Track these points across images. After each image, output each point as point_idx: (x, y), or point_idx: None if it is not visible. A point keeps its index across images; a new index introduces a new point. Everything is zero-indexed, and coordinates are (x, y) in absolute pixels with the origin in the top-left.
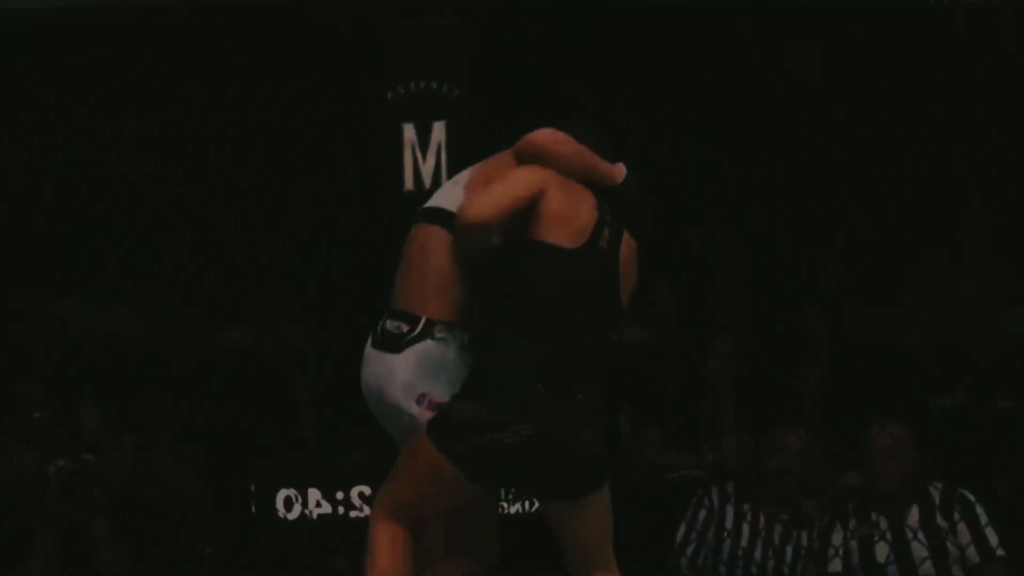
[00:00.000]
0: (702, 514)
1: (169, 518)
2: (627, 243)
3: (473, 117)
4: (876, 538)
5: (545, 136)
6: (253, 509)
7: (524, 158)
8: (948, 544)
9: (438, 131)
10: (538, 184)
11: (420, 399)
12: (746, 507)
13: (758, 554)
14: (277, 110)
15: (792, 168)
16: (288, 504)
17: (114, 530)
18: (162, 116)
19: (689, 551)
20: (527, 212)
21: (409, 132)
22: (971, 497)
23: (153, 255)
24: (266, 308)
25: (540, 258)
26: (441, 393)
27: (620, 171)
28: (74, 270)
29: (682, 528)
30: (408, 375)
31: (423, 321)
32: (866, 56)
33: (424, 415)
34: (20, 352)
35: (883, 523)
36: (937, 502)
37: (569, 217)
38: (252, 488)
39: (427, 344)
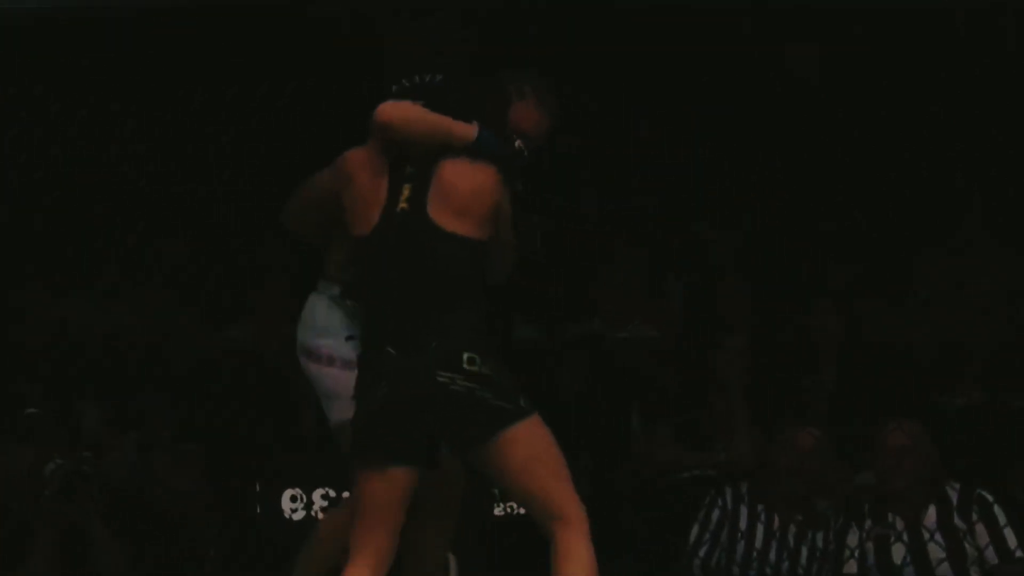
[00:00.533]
0: (715, 515)
1: (170, 518)
2: (460, 175)
3: None
4: (892, 539)
5: (389, 112)
6: (258, 509)
7: (376, 135)
8: (966, 545)
9: None
10: (327, 188)
11: (299, 349)
12: (760, 508)
13: (772, 555)
14: (277, 110)
15: (800, 165)
16: (293, 504)
17: (114, 530)
18: (162, 116)
19: (702, 552)
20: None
21: None
22: (989, 497)
23: (154, 255)
24: (266, 307)
25: (355, 251)
26: (306, 339)
27: (473, 129)
28: (74, 269)
29: (695, 529)
30: (297, 330)
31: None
32: (871, 54)
33: (303, 364)
34: (19, 351)
35: (899, 524)
36: (955, 503)
37: (359, 208)
38: (257, 488)
39: (310, 297)
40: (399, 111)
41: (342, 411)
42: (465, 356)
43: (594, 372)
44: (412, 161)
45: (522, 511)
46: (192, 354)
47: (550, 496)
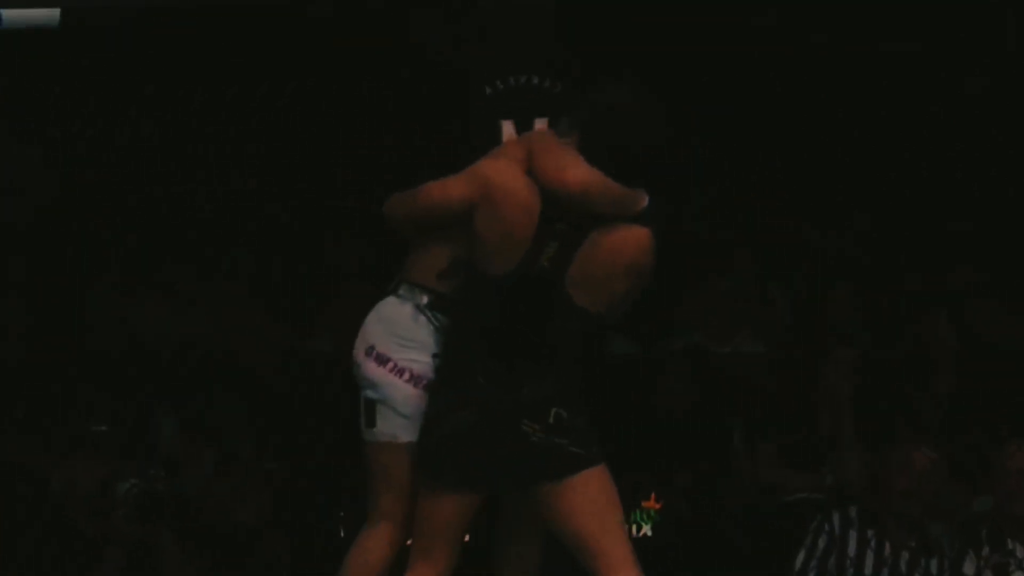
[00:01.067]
0: (822, 540)
1: (241, 544)
2: (615, 251)
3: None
4: (1012, 567)
5: (586, 182)
6: (342, 534)
7: (569, 201)
8: None
9: (540, 127)
10: (461, 198)
11: (369, 350)
12: (870, 533)
13: None
14: (372, 109)
15: (913, 162)
16: None
17: (186, 552)
18: (251, 119)
19: None
20: (466, 229)
21: (508, 129)
22: None
23: (230, 259)
24: (351, 315)
25: (469, 281)
26: (388, 347)
27: (643, 199)
28: (147, 275)
29: (801, 555)
30: (366, 327)
31: (397, 278)
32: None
33: (368, 367)
34: (90, 360)
35: (1020, 551)
36: None
37: (499, 245)
38: (341, 514)
39: (389, 300)
40: (594, 182)
41: (404, 431)
42: (553, 412)
43: (694, 388)
44: (565, 215)
45: (643, 534)
46: (273, 364)
47: (603, 547)
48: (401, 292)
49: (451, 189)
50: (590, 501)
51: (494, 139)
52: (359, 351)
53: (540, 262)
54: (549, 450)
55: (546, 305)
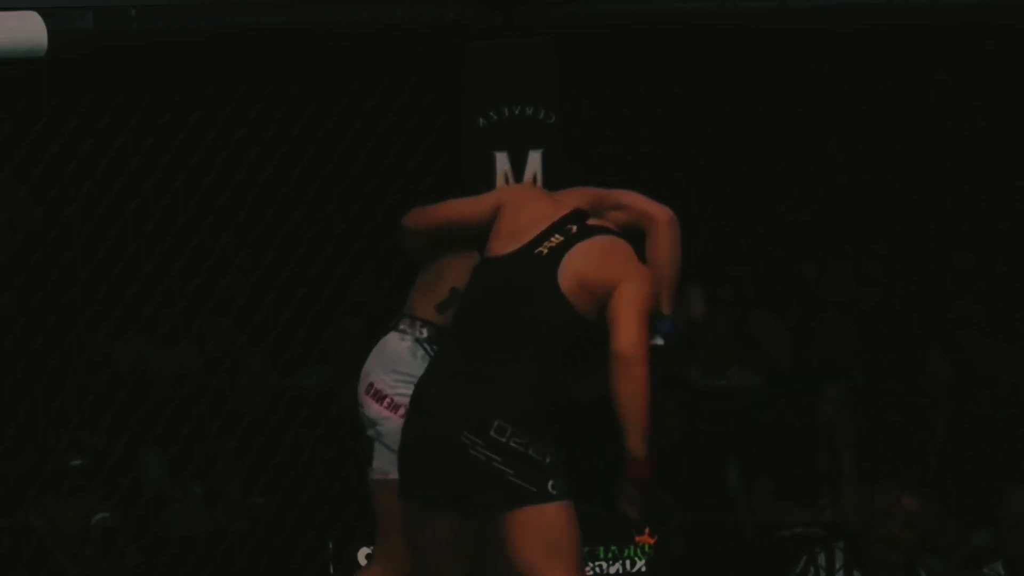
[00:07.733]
0: None
1: None
2: (598, 248)
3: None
4: None
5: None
6: (331, 569)
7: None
8: None
9: (533, 160)
10: (487, 208)
11: (368, 388)
12: (856, 573)
13: None
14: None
15: (912, 191)
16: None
17: None
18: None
19: None
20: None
21: (503, 161)
22: None
23: (219, 293)
24: (341, 350)
25: (475, 270)
26: (385, 383)
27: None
28: (134, 310)
29: None
30: (367, 364)
31: (399, 313)
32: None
33: (368, 404)
34: (76, 396)
35: None
36: None
37: (510, 231)
38: (330, 546)
39: (390, 335)
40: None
41: (395, 467)
42: (495, 423)
43: (687, 423)
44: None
45: (637, 569)
46: (261, 400)
47: None
48: (402, 327)
49: (479, 198)
50: (533, 542)
51: (487, 172)
52: (361, 390)
53: (538, 249)
54: (491, 475)
55: (532, 293)
